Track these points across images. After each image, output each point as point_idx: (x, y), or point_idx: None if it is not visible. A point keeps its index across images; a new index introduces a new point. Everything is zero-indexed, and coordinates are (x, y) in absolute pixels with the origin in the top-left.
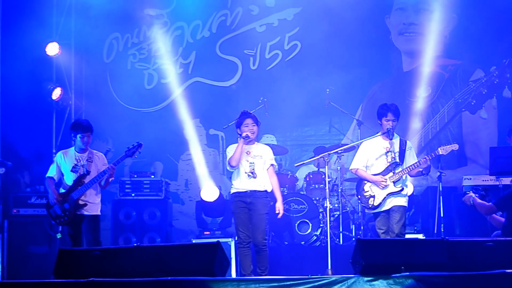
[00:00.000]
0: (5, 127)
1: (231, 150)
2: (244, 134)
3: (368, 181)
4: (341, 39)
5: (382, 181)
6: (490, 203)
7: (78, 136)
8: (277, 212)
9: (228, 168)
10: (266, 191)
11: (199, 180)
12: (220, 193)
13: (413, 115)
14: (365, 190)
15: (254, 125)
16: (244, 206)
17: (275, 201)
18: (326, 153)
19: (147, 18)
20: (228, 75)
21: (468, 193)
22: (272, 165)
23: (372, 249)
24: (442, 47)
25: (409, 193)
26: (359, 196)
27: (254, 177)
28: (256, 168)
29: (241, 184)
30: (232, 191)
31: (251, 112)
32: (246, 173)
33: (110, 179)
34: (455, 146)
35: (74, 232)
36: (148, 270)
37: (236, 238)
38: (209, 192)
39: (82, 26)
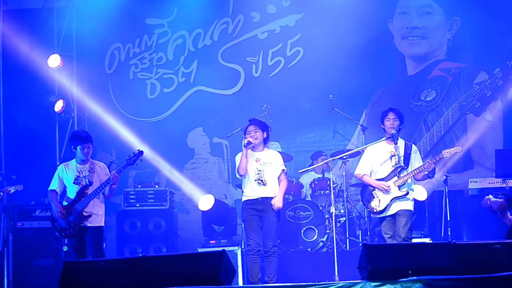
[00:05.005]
0: (8, 141)
1: (238, 158)
2: (245, 141)
3: (372, 186)
4: (343, 44)
5: (385, 187)
6: (502, 200)
7: (78, 147)
8: (272, 203)
9: (237, 176)
10: None
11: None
12: (219, 200)
13: (418, 119)
14: (370, 195)
15: (256, 131)
16: (255, 213)
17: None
18: (331, 158)
19: (149, 27)
20: (231, 83)
21: (487, 197)
22: (283, 170)
23: (379, 254)
24: (446, 50)
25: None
26: (364, 201)
27: (264, 185)
28: (265, 175)
29: (252, 191)
30: (244, 199)
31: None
32: (256, 180)
33: (113, 186)
34: (459, 149)
35: (78, 245)
36: (154, 280)
37: (243, 246)
38: (205, 202)
39: (83, 37)
